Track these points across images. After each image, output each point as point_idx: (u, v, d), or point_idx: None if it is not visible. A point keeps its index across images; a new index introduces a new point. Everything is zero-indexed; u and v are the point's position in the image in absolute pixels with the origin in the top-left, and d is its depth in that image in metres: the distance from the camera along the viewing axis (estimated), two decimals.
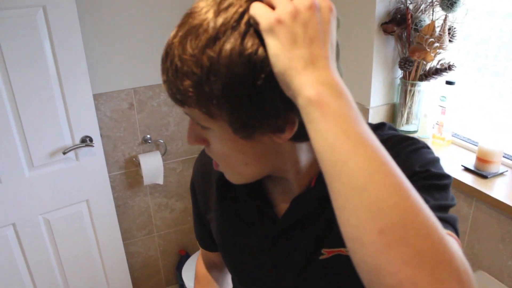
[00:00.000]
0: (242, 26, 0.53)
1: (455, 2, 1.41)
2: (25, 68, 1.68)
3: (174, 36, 0.58)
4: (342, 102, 0.50)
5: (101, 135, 2.01)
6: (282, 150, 0.66)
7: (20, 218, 1.88)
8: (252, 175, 0.69)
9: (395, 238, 0.45)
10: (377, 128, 0.75)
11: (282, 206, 0.77)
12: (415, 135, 1.69)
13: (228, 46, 0.53)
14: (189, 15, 0.58)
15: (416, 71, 1.62)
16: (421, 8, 1.56)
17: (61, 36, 1.72)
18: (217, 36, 0.53)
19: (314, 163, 0.71)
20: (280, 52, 0.51)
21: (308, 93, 0.49)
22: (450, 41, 1.53)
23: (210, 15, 0.54)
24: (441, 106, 1.58)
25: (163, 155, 2.25)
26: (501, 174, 1.40)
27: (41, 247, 1.98)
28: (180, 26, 0.58)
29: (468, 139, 1.61)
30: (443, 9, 1.45)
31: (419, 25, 1.55)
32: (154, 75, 2.11)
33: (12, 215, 1.85)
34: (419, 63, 1.60)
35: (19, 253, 1.93)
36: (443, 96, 1.57)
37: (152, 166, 2.17)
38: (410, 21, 1.55)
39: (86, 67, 1.81)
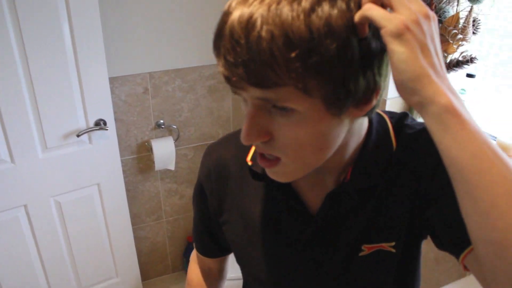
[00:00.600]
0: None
1: None
2: (43, 48, 1.66)
3: (252, 9, 0.51)
4: (466, 109, 0.52)
5: (115, 119, 2.00)
6: (351, 127, 0.64)
7: (32, 200, 1.87)
8: (315, 165, 0.64)
9: None
10: (404, 118, 0.74)
11: (314, 201, 0.74)
12: None
13: (335, 11, 0.50)
14: None
15: None
16: None
17: (80, 18, 1.70)
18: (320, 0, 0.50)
19: (352, 151, 0.69)
20: (410, 60, 0.50)
21: (444, 101, 0.50)
22: (473, 33, 1.51)
23: None
24: None
25: (175, 140, 2.24)
26: None
27: (52, 229, 1.98)
28: None
29: (488, 133, 1.60)
30: (469, 0, 1.44)
31: (442, 16, 1.54)
32: (170, 60, 2.10)
33: (24, 196, 1.85)
34: None
35: (29, 235, 1.93)
36: (462, 89, 1.56)
37: (164, 151, 2.16)
38: (434, 11, 1.53)
39: (103, 50, 1.80)
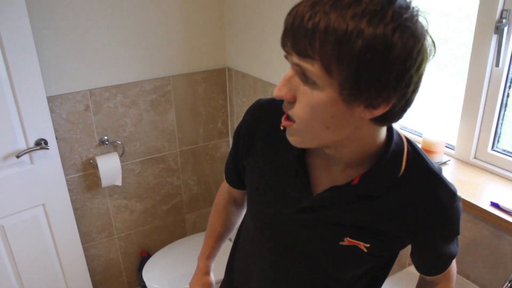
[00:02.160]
0: (389, 18, 0.62)
1: None
2: None
3: (306, 4, 0.65)
4: None
5: (57, 138, 1.99)
6: (361, 127, 0.73)
7: None
8: (321, 141, 0.75)
9: None
10: (419, 150, 0.85)
11: (319, 184, 0.85)
12: None
13: (381, 32, 0.61)
14: None
15: None
16: None
17: (10, 34, 1.68)
18: (374, 14, 0.61)
19: (366, 161, 0.80)
20: None
21: None
22: None
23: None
24: None
25: (121, 156, 2.24)
26: (444, 163, 1.47)
27: None
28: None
29: (415, 131, 1.68)
30: None
31: None
32: (110, 76, 2.10)
33: None
34: None
35: None
36: None
37: (110, 167, 2.16)
38: None
39: (39, 69, 1.79)
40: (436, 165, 0.84)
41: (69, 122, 2.08)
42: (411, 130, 1.69)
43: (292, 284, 0.97)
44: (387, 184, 0.79)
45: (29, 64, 1.76)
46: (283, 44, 0.69)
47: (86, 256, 2.31)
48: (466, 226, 1.35)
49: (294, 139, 0.76)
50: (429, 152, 1.46)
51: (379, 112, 0.68)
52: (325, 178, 0.85)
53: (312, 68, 0.65)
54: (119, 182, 2.22)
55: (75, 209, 2.20)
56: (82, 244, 2.25)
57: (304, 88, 0.69)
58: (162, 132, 2.34)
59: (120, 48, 2.08)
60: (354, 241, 0.83)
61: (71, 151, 2.14)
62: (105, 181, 2.17)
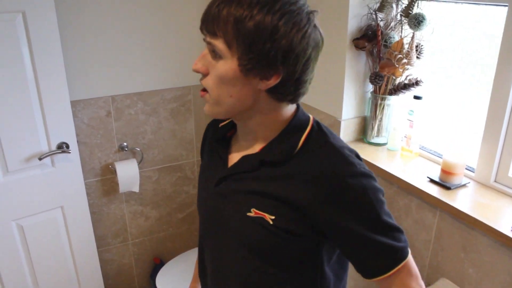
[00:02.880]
0: (277, 8, 0.79)
1: (422, 21, 1.48)
2: (2, 72, 1.69)
3: None
4: None
5: (78, 142, 2.02)
6: (259, 99, 0.88)
7: None
8: (228, 108, 0.88)
9: None
10: (325, 131, 0.95)
11: (235, 159, 0.98)
12: (384, 148, 1.75)
13: (269, 18, 0.78)
14: None
15: (386, 85, 1.68)
16: (391, 25, 1.63)
17: (40, 42, 1.74)
18: (264, 4, 0.79)
19: (271, 133, 0.93)
20: None
21: None
22: (417, 57, 1.60)
23: None
24: (409, 120, 1.64)
25: (139, 163, 2.27)
26: (464, 185, 1.46)
27: (14, 253, 1.97)
28: None
29: (434, 151, 1.67)
30: (410, 27, 1.52)
31: (388, 42, 1.62)
32: (132, 84, 2.14)
33: None
34: (388, 78, 1.67)
35: None
36: (411, 110, 1.64)
37: (128, 173, 2.18)
38: (380, 37, 1.62)
39: (64, 74, 1.83)
40: (341, 143, 0.92)
41: (90, 127, 2.12)
42: (431, 150, 1.68)
43: (230, 264, 1.02)
44: (285, 154, 0.90)
45: (55, 69, 1.80)
46: (201, 28, 0.85)
47: (100, 260, 2.34)
48: (486, 250, 1.33)
49: (207, 107, 0.91)
50: (448, 174, 1.45)
51: (271, 82, 0.83)
52: (240, 153, 0.98)
53: (218, 44, 0.82)
54: (136, 189, 2.24)
55: (92, 213, 2.22)
56: (97, 248, 2.27)
57: (213, 62, 0.85)
58: (180, 140, 2.36)
59: (143, 57, 2.11)
60: (260, 212, 0.90)
61: (90, 155, 2.17)
62: (123, 187, 2.20)
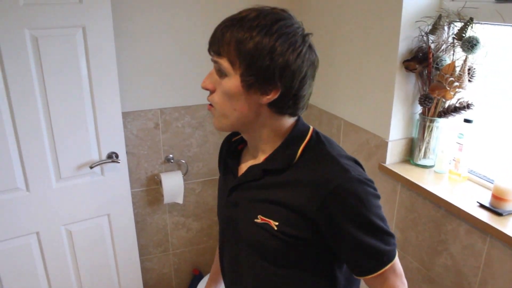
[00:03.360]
0: (274, 31, 0.89)
1: (475, 45, 1.46)
2: (61, 83, 1.78)
3: (224, 21, 0.93)
4: None
5: (126, 152, 2.08)
6: (261, 113, 0.96)
7: (44, 228, 1.95)
8: (233, 122, 0.97)
9: None
10: (324, 141, 1.03)
11: (243, 170, 1.07)
12: (431, 170, 1.73)
13: (267, 39, 0.88)
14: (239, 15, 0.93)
15: (435, 107, 1.67)
16: (442, 48, 1.62)
17: (97, 55, 1.81)
18: (263, 27, 0.88)
19: (274, 144, 1.01)
20: None
21: None
22: (469, 81, 1.58)
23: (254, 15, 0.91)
24: (458, 143, 1.62)
25: (184, 175, 2.31)
26: None
27: (61, 257, 2.04)
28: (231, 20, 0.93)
29: (484, 176, 1.64)
30: (463, 50, 1.51)
31: (440, 64, 1.61)
32: (180, 97, 2.20)
33: (36, 224, 1.92)
34: (438, 100, 1.65)
35: (40, 261, 2.00)
36: (460, 133, 1.61)
37: (173, 185, 2.23)
38: (431, 59, 1.61)
39: (117, 86, 1.90)
40: (339, 151, 0.99)
41: (139, 138, 2.18)
42: (480, 175, 1.65)
43: (245, 267, 1.10)
44: (285, 162, 0.98)
45: (109, 82, 1.88)
46: (208, 50, 0.96)
47: (141, 269, 2.38)
48: None
49: (214, 121, 1.00)
50: (500, 199, 1.42)
51: (271, 97, 0.92)
52: (247, 165, 1.06)
53: (223, 63, 0.91)
54: (180, 200, 2.29)
55: (136, 222, 2.28)
56: (139, 256, 2.32)
57: (219, 80, 0.94)
58: None
59: (192, 72, 2.17)
60: (266, 218, 0.98)
61: (137, 166, 2.23)
62: (167, 198, 2.24)
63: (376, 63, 1.76)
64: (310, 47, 0.94)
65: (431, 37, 1.62)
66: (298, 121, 1.03)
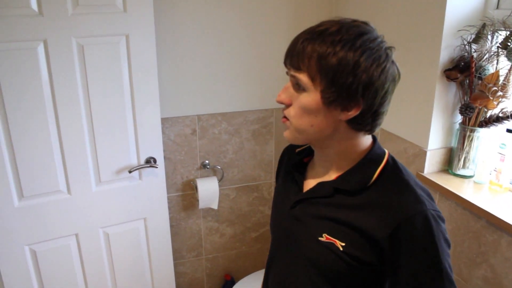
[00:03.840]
0: (358, 45, 0.85)
1: None
2: (104, 90, 1.83)
3: (303, 34, 0.89)
4: None
5: (163, 157, 2.12)
6: (339, 129, 0.93)
7: (83, 230, 1.99)
8: (308, 136, 0.94)
9: None
10: (399, 167, 0.98)
11: (310, 184, 1.04)
12: (471, 180, 1.71)
13: (351, 54, 0.84)
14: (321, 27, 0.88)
15: (477, 117, 1.65)
16: (485, 57, 1.60)
17: (139, 63, 1.85)
18: (347, 42, 0.85)
19: (348, 162, 0.97)
20: None
21: None
22: None
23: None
24: (500, 153, 1.59)
25: (219, 181, 2.34)
26: None
27: (99, 259, 2.09)
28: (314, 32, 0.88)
29: None
30: (509, 59, 1.49)
31: (482, 74, 1.59)
32: (217, 104, 2.22)
33: (76, 226, 1.97)
34: (480, 110, 1.63)
35: (78, 262, 2.04)
36: (503, 144, 1.59)
37: (208, 190, 2.25)
38: (473, 69, 1.59)
39: (157, 93, 1.94)
40: (414, 181, 0.94)
41: (176, 144, 2.21)
42: None
43: (296, 285, 1.05)
44: (360, 184, 0.94)
45: (150, 88, 1.92)
46: (285, 62, 0.92)
47: (174, 272, 2.41)
48: None
49: (287, 133, 0.97)
50: None
51: (352, 114, 0.88)
52: (316, 180, 1.03)
53: (303, 78, 0.88)
54: (215, 206, 2.31)
55: (170, 226, 2.31)
56: (173, 260, 2.34)
57: (296, 95, 0.91)
58: (260, 162, 2.42)
59: (229, 79, 2.20)
60: (331, 238, 0.94)
61: (174, 171, 2.26)
62: (202, 203, 2.27)
63: (416, 71, 1.75)
64: (393, 61, 0.90)
65: (474, 46, 1.61)
66: (374, 143, 1.00)
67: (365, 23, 0.90)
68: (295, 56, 0.88)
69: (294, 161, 1.11)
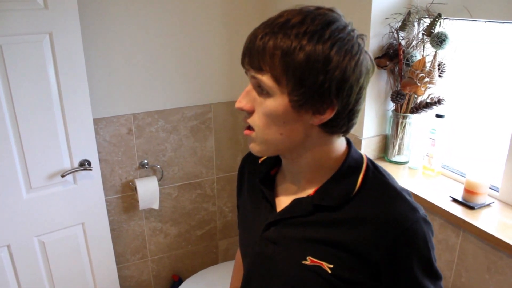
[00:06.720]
0: (326, 36, 0.74)
1: (444, 40, 1.48)
2: (28, 91, 1.73)
3: (261, 28, 0.77)
4: None
5: (99, 159, 2.04)
6: (311, 134, 0.82)
7: (15, 240, 1.89)
8: (278, 147, 0.83)
9: None
10: (378, 168, 0.89)
11: (285, 202, 0.91)
12: (406, 166, 1.74)
13: (320, 48, 0.73)
14: (279, 19, 0.77)
15: (408, 104, 1.68)
16: (412, 44, 1.63)
17: (65, 61, 1.77)
18: (313, 33, 0.73)
19: (325, 175, 0.86)
20: None
21: None
22: (439, 76, 1.59)
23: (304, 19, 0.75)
24: (431, 139, 1.63)
25: (159, 180, 2.28)
26: (488, 205, 1.44)
27: (35, 269, 1.99)
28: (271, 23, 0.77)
29: (457, 170, 1.65)
30: (432, 46, 1.52)
31: (410, 60, 1.62)
32: (153, 102, 2.17)
33: (7, 236, 1.87)
34: (410, 96, 1.66)
35: (12, 275, 1.94)
36: (433, 129, 1.63)
37: (148, 191, 2.20)
38: (402, 56, 1.62)
39: (88, 93, 1.86)
40: (398, 184, 0.87)
41: (112, 145, 2.14)
42: (453, 169, 1.66)
43: None
44: (342, 197, 0.83)
45: (79, 88, 1.84)
46: (242, 62, 0.80)
47: (119, 277, 2.34)
48: (504, 271, 1.31)
49: (253, 146, 0.85)
50: (472, 193, 1.43)
51: (326, 117, 0.78)
52: (290, 197, 0.91)
53: (265, 80, 0.76)
54: (156, 206, 2.25)
55: (111, 230, 2.24)
56: (116, 264, 2.28)
57: (260, 99, 0.79)
58: (200, 158, 2.38)
59: (164, 75, 2.14)
60: (317, 260, 0.84)
61: (111, 172, 2.19)
62: (143, 204, 2.21)
63: None
64: (366, 52, 0.79)
65: (401, 34, 1.63)
66: (350, 147, 0.89)
67: (331, 10, 0.79)
68: (254, 55, 0.76)
69: (260, 174, 0.98)
